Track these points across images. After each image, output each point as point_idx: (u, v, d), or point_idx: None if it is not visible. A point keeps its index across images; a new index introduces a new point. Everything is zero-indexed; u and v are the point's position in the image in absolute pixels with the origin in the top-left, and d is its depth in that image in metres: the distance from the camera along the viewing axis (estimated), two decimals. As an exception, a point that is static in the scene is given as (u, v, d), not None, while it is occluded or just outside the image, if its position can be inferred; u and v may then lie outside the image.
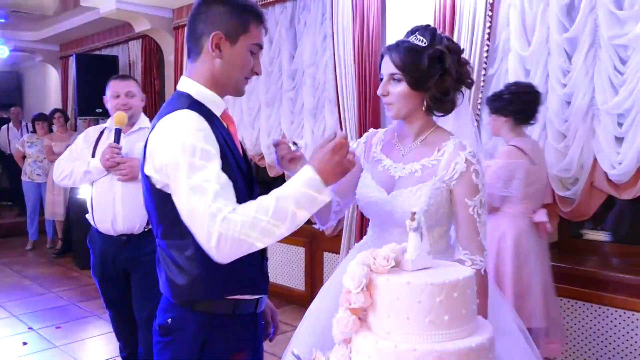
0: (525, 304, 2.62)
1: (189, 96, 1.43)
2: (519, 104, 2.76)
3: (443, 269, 1.18)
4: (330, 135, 1.38)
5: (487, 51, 3.22)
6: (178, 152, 1.29)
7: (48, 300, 5.10)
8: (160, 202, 1.39)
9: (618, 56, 2.80)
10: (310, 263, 4.52)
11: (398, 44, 1.61)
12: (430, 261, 1.19)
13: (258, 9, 1.47)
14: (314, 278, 4.47)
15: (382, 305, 1.13)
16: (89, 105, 6.07)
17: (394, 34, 3.81)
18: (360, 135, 3.76)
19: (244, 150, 1.56)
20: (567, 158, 2.97)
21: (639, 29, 2.68)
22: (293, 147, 1.66)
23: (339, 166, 1.34)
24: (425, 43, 1.58)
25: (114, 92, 2.74)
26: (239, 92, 1.52)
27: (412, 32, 1.62)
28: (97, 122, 6.38)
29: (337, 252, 4.12)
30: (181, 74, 5.49)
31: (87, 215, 2.81)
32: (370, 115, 3.84)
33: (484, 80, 3.26)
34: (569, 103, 2.99)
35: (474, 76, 3.17)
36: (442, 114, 1.66)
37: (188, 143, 1.29)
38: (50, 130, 6.96)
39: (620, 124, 2.81)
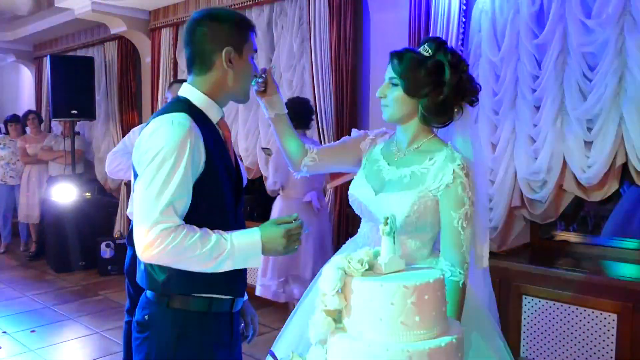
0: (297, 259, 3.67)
1: (187, 101, 1.51)
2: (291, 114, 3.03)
3: (415, 272, 1.23)
4: (291, 216, 1.48)
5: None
6: (156, 151, 1.38)
7: (22, 304, 5.02)
8: None
9: (586, 63, 2.89)
10: None
11: (403, 51, 1.67)
12: (403, 264, 1.24)
13: (248, 19, 1.61)
14: None
15: (357, 307, 1.17)
16: (64, 106, 5.99)
17: (371, 39, 3.88)
18: (338, 137, 3.86)
19: (236, 159, 1.65)
20: (536, 162, 3.05)
21: (606, 37, 2.78)
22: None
23: (284, 248, 1.45)
24: (429, 53, 1.63)
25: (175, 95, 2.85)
26: (247, 97, 1.63)
27: (423, 42, 1.69)
28: (72, 124, 6.32)
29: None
30: (158, 76, 5.47)
31: (127, 212, 2.84)
32: (347, 118, 3.89)
33: (457, 85, 3.32)
34: (538, 108, 3.07)
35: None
36: (437, 125, 1.70)
37: (168, 146, 1.37)
38: (24, 132, 6.86)
39: (589, 129, 2.90)
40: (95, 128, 6.86)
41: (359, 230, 1.87)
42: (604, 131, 2.83)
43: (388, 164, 1.75)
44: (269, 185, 3.88)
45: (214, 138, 1.50)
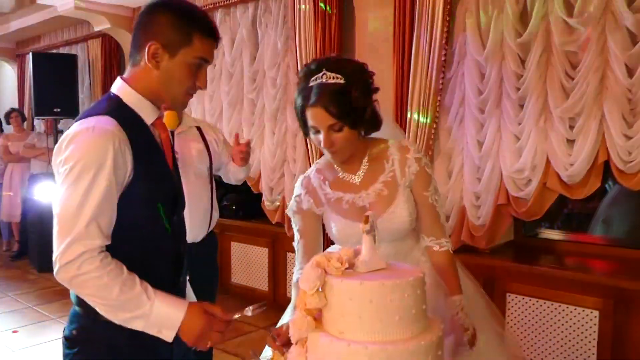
0: None
1: (118, 100, 1.38)
2: None
3: (395, 270, 1.22)
4: (221, 311, 1.36)
5: (444, 55, 3.30)
6: (74, 160, 1.25)
7: (4, 304, 4.98)
8: None
9: (569, 61, 2.91)
10: (273, 263, 4.54)
11: (322, 92, 1.52)
12: (384, 263, 1.23)
13: (205, 20, 1.39)
14: (277, 278, 4.50)
15: (336, 306, 1.17)
16: (47, 104, 5.92)
17: (356, 37, 3.87)
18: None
19: (174, 160, 1.53)
20: (520, 159, 3.07)
21: (588, 35, 2.80)
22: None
23: (196, 340, 1.32)
24: (343, 80, 1.53)
25: None
26: (177, 106, 1.47)
27: (318, 70, 1.56)
28: (55, 122, 6.25)
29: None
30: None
31: None
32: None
33: (442, 84, 3.33)
34: (522, 106, 3.09)
35: (433, 79, 3.27)
36: (371, 133, 1.67)
37: (88, 156, 1.25)
38: (1, 130, 6.78)
39: (572, 127, 2.92)
40: (78, 126, 6.78)
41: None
42: (586, 129, 2.85)
43: (354, 192, 1.68)
44: None
45: (145, 141, 1.36)
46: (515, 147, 3.10)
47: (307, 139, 3.95)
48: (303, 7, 3.91)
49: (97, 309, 1.28)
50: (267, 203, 4.48)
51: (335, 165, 1.72)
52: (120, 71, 6.13)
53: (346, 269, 1.18)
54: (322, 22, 3.87)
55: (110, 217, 1.28)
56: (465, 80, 3.28)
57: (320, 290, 1.16)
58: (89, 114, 1.32)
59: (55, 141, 6.22)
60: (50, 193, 5.87)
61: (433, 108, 3.34)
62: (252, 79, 4.49)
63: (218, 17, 4.74)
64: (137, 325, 1.28)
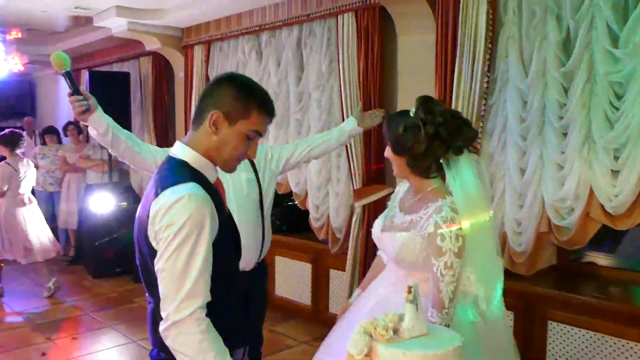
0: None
1: (186, 164, 1.52)
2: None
3: (436, 337, 1.31)
4: None
5: (487, 82, 3.33)
6: (177, 228, 1.37)
7: (64, 310, 5.25)
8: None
9: (613, 92, 2.89)
10: (315, 279, 4.65)
11: (390, 117, 1.98)
12: (425, 329, 1.32)
13: (264, 98, 1.55)
14: (319, 294, 4.60)
15: (381, 371, 1.26)
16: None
17: (398, 61, 3.94)
18: (366, 156, 3.93)
19: (229, 211, 1.69)
20: (563, 188, 3.07)
21: (633, 66, 2.78)
22: None
23: None
24: (412, 114, 1.86)
25: None
26: (227, 169, 1.60)
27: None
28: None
29: (343, 269, 4.25)
30: (191, 91, 5.63)
31: None
32: (374, 136, 3.96)
33: (484, 110, 3.36)
34: (565, 134, 3.09)
35: (475, 105, 3.31)
36: (425, 176, 1.90)
37: (189, 223, 1.37)
38: (60, 141, 7.13)
39: (616, 158, 2.89)
40: (130, 139, 7.07)
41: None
42: (631, 160, 2.81)
43: (399, 210, 2.01)
44: None
45: (217, 202, 1.49)
46: (558, 176, 3.10)
47: (350, 160, 4.05)
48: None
49: None
50: (313, 220, 4.60)
51: (410, 190, 2.06)
52: (170, 88, 6.37)
53: (391, 336, 1.27)
54: (365, 46, 3.95)
55: (210, 275, 1.42)
56: (507, 107, 3.30)
57: (367, 355, 1.26)
58: (174, 181, 1.44)
59: (109, 153, 6.50)
60: (106, 205, 6.20)
61: (475, 134, 3.38)
62: (297, 100, 4.60)
63: (264, 39, 4.89)
64: None
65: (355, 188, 4.10)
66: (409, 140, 1.83)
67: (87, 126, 2.45)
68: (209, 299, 1.41)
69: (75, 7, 5.42)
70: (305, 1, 4.38)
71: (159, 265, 1.40)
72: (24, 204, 5.48)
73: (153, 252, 1.44)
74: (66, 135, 7.04)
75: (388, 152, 1.95)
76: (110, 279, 6.18)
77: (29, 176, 5.55)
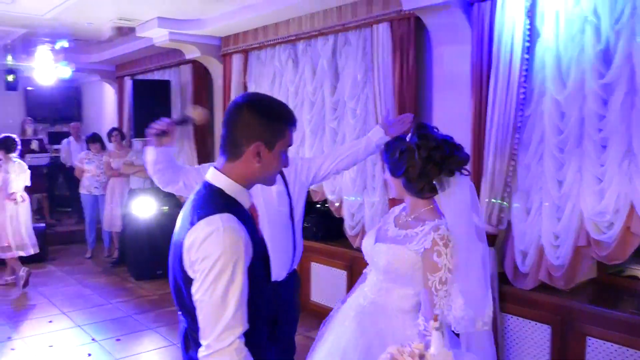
0: None
1: (222, 192, 1.57)
2: None
3: (461, 365, 1.33)
4: None
5: (523, 93, 3.29)
6: (214, 260, 1.41)
7: (108, 311, 5.43)
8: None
9: (655, 104, 2.83)
10: (351, 286, 4.63)
11: (390, 141, 2.18)
12: (451, 356, 1.35)
13: (291, 114, 1.62)
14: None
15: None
16: (144, 127, 6.39)
17: (434, 71, 3.93)
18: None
19: (261, 234, 1.72)
20: (603, 202, 3.01)
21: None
22: None
23: None
24: (406, 140, 2.02)
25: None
26: (269, 184, 1.69)
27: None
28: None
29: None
30: (229, 98, 5.74)
31: None
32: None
33: (520, 122, 3.33)
34: (604, 147, 3.03)
35: (512, 116, 3.28)
36: (420, 196, 2.04)
37: (225, 255, 1.41)
38: (103, 148, 7.38)
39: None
40: (171, 145, 7.26)
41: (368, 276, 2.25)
42: (674, 174, 2.76)
43: (394, 225, 2.15)
44: None
45: (250, 228, 1.53)
46: (597, 189, 3.04)
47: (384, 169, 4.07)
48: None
49: None
50: (348, 228, 4.63)
51: (405, 209, 2.20)
52: (209, 94, 6.51)
53: (417, 361, 1.31)
54: (400, 56, 3.96)
55: (246, 303, 1.46)
56: (544, 119, 3.26)
57: (393, 382, 1.30)
58: (209, 211, 1.49)
59: (151, 159, 6.71)
60: (148, 210, 6.39)
61: (511, 145, 3.35)
62: (333, 109, 4.64)
63: (300, 48, 4.95)
64: None
65: (390, 197, 4.12)
66: (405, 164, 1.97)
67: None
68: (247, 327, 1.46)
69: (119, 18, 5.62)
70: (341, 11, 4.42)
71: (197, 296, 1.45)
72: (16, 202, 6.13)
73: (187, 278, 1.49)
74: (110, 141, 7.28)
75: (387, 175, 2.13)
76: (151, 281, 6.35)
77: (21, 177, 6.18)
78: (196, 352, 1.51)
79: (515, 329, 3.44)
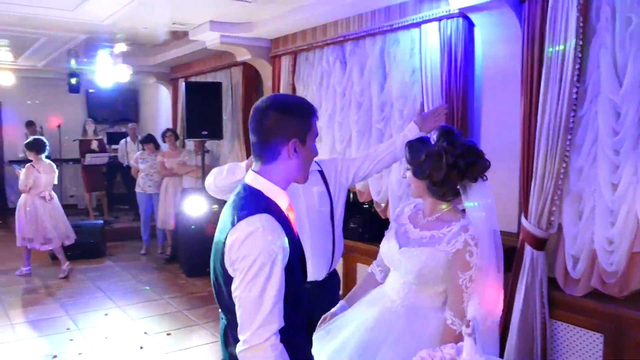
0: None
1: (261, 194, 1.62)
2: None
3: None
4: None
5: (576, 92, 3.18)
6: (253, 259, 1.48)
7: (160, 306, 5.63)
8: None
9: None
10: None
11: (413, 142, 2.12)
12: (484, 361, 1.33)
13: (313, 107, 1.70)
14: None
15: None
16: (196, 128, 6.61)
17: (483, 71, 3.85)
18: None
19: (297, 235, 1.75)
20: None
21: None
22: None
23: None
24: (433, 141, 2.03)
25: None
26: (304, 180, 1.73)
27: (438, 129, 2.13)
28: (202, 143, 6.93)
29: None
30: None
31: None
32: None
33: (573, 122, 3.21)
34: (664, 149, 2.89)
35: (564, 116, 3.17)
36: (443, 199, 2.07)
37: (264, 254, 1.47)
38: (157, 148, 7.63)
39: None
40: (222, 145, 7.44)
41: (387, 279, 2.28)
42: None
43: (413, 226, 2.16)
44: None
45: (287, 228, 1.58)
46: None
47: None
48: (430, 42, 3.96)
49: None
50: (393, 230, 4.59)
51: (420, 209, 2.22)
52: (259, 95, 6.62)
53: (449, 366, 1.30)
54: (447, 56, 3.90)
55: (283, 301, 1.52)
56: (598, 120, 3.14)
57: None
58: (249, 212, 1.54)
59: (203, 159, 6.91)
60: (199, 208, 6.57)
61: (563, 146, 3.24)
62: (380, 109, 4.62)
63: (348, 48, 4.95)
64: None
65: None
66: (430, 167, 2.00)
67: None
68: (283, 324, 1.50)
69: (173, 23, 5.81)
70: (389, 11, 4.39)
71: (236, 293, 1.51)
72: (45, 200, 6.54)
73: (227, 276, 1.55)
74: (164, 142, 7.52)
75: (409, 175, 2.12)
76: (202, 277, 6.51)
77: (50, 177, 6.60)
78: (235, 348, 1.55)
79: (565, 336, 3.32)
